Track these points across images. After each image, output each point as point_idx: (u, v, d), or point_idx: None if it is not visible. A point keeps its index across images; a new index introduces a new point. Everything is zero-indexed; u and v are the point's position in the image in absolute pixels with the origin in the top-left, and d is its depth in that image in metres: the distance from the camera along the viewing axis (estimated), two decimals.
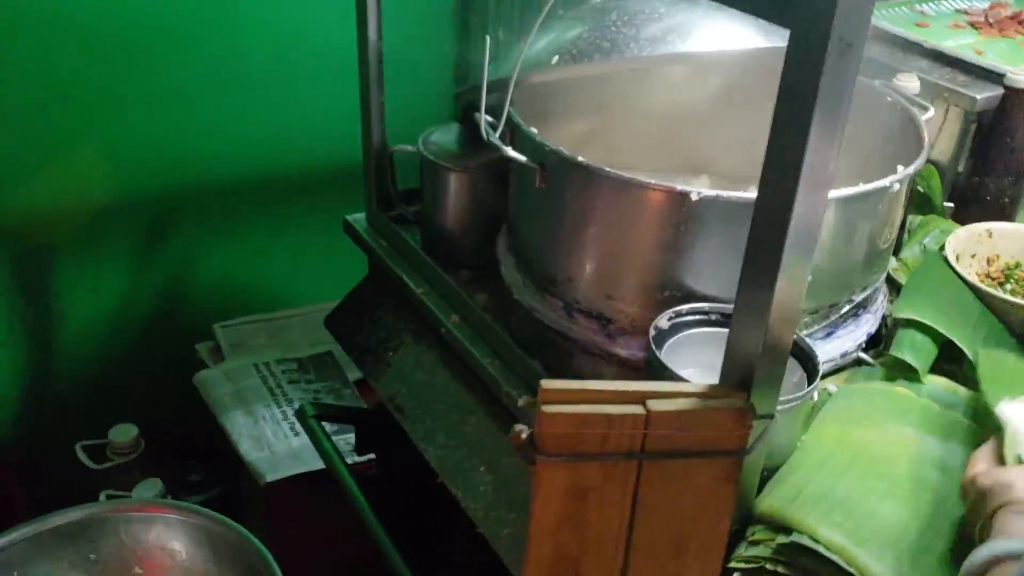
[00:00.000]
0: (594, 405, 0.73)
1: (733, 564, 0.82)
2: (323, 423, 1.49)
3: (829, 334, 1.04)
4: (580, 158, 0.95)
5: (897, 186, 0.97)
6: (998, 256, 1.29)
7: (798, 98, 0.63)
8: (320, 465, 1.62)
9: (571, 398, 0.74)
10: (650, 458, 0.74)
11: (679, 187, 0.91)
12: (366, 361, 1.28)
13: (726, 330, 0.93)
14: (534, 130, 1.01)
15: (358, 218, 1.39)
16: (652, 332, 0.92)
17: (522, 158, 0.99)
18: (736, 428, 0.75)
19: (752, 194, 0.90)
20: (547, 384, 0.74)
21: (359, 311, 1.34)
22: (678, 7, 1.11)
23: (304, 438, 1.67)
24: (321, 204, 1.97)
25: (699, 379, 0.86)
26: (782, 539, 0.81)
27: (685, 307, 0.95)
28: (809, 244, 0.70)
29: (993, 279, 1.25)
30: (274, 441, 1.66)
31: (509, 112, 1.01)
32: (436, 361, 1.20)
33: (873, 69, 1.21)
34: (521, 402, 1.05)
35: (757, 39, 1.11)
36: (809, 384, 0.88)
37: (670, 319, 0.94)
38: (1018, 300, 1.18)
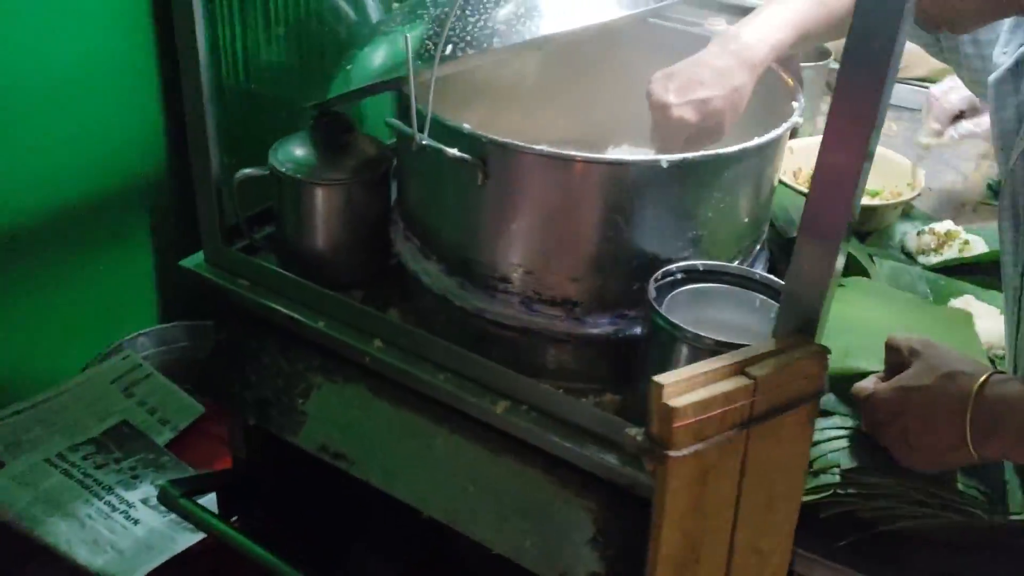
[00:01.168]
0: (706, 388, 0.73)
1: (806, 499, 0.86)
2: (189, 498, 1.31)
3: (752, 265, 1.12)
4: (539, 146, 0.91)
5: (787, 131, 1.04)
6: (800, 168, 1.46)
7: (876, 52, 0.66)
8: (180, 547, 1.43)
9: (684, 388, 0.72)
10: (757, 422, 0.76)
11: (647, 157, 0.91)
12: (270, 417, 1.13)
13: (704, 285, 0.97)
14: (467, 125, 0.95)
15: (197, 262, 1.21)
16: (651, 303, 0.92)
17: (465, 156, 0.93)
18: (819, 372, 0.78)
19: (711, 151, 0.93)
20: (662, 379, 0.72)
21: (236, 365, 1.18)
22: None
23: (149, 523, 1.46)
24: (42, 262, 1.68)
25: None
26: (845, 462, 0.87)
27: (659, 272, 0.96)
28: (863, 185, 0.74)
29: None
30: (114, 538, 1.42)
31: (433, 112, 0.94)
32: (365, 394, 1.10)
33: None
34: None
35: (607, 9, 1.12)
36: None
37: (656, 284, 0.94)
38: None
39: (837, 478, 0.86)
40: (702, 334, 0.88)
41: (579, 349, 1.02)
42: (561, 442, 0.97)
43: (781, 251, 1.22)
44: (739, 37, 1.03)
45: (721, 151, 0.93)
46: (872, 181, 1.42)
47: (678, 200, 0.95)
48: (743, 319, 0.98)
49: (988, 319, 1.15)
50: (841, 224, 0.73)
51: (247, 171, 1.15)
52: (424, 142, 0.93)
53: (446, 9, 1.01)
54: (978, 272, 1.29)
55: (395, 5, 1.14)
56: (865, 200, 1.38)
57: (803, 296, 0.78)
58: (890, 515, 0.86)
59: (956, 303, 1.19)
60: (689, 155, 0.92)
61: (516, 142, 0.92)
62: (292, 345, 1.15)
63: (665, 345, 0.91)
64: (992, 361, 1.09)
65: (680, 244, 0.99)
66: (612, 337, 1.01)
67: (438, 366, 1.05)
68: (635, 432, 0.73)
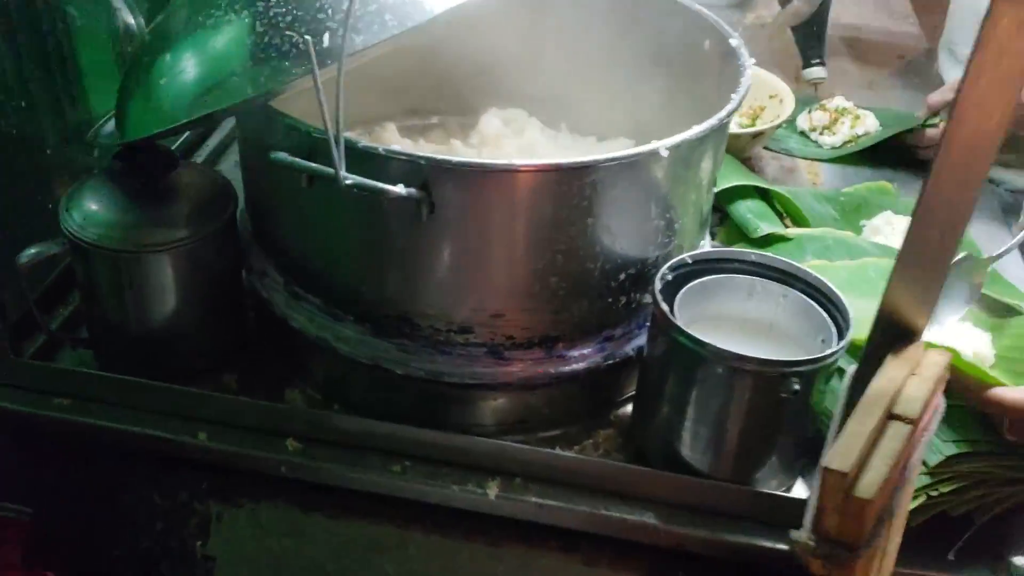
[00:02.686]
0: (879, 456, 0.56)
1: None
2: None
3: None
4: (514, 160, 0.67)
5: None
6: None
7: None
8: None
9: (858, 464, 0.55)
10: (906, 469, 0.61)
11: (646, 148, 0.70)
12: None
13: (698, 281, 0.80)
14: (396, 146, 0.68)
15: None
16: (672, 323, 0.73)
17: (413, 191, 0.67)
18: (946, 375, 0.64)
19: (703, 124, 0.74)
20: (836, 464, 0.54)
21: (85, 517, 0.84)
22: None
23: None
24: None
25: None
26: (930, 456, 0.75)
27: (656, 281, 0.77)
28: None
29: None
30: None
31: (347, 138, 0.66)
32: (288, 515, 0.82)
33: None
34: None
35: None
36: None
37: (661, 292, 0.75)
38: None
39: (928, 478, 0.75)
40: (743, 353, 0.71)
41: (561, 390, 0.82)
42: (581, 511, 0.77)
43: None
44: None
45: (714, 121, 0.74)
46: None
47: (671, 189, 0.76)
48: (742, 307, 0.82)
49: None
50: (962, 217, 0.59)
51: (33, 250, 0.80)
52: (349, 182, 0.65)
53: None
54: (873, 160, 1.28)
55: None
56: (734, 129, 1.24)
57: (905, 302, 0.62)
58: (984, 505, 0.76)
59: (876, 222, 1.11)
60: (688, 135, 0.72)
61: (471, 160, 0.68)
62: (164, 471, 0.84)
63: (690, 368, 0.74)
64: None
65: (666, 239, 0.80)
66: (600, 367, 0.82)
67: (387, 455, 0.80)
68: (805, 536, 0.55)
